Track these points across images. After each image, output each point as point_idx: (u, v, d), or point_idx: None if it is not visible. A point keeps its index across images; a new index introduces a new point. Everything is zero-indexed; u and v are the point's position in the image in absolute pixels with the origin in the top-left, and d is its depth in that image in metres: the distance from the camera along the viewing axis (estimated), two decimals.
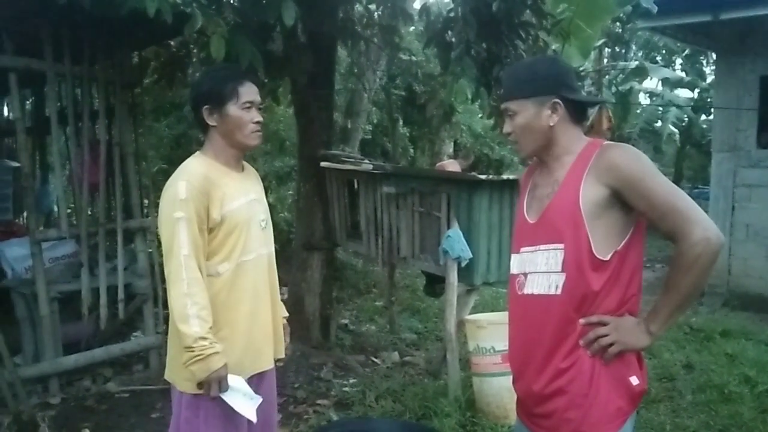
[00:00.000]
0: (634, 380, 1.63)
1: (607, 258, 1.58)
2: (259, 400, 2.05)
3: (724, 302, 6.74)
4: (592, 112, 9.26)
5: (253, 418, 2.01)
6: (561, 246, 1.61)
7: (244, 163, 2.19)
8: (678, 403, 3.91)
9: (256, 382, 2.13)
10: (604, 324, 1.59)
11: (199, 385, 1.93)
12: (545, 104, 1.66)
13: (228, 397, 1.96)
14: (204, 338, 1.87)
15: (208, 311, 1.90)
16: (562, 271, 1.61)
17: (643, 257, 1.67)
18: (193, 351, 1.86)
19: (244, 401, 1.99)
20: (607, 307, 1.60)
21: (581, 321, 1.60)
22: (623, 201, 1.57)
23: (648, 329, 1.58)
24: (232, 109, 2.01)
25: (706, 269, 1.51)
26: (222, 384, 1.92)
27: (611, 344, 1.58)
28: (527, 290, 1.69)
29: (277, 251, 2.30)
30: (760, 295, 6.78)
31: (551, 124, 1.66)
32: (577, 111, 1.70)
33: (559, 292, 1.61)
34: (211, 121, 2.03)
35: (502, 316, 3.95)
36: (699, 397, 4.00)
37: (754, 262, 7.00)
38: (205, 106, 2.02)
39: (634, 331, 1.59)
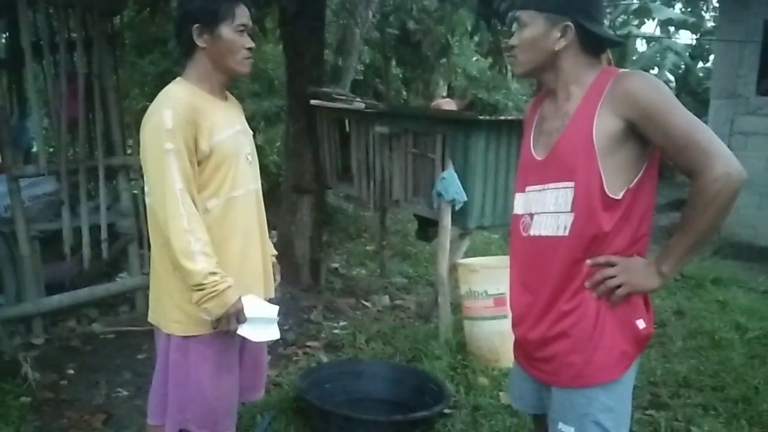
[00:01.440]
0: (641, 323, 1.55)
1: (619, 197, 1.47)
2: (275, 311, 1.98)
3: (715, 250, 6.73)
4: None
5: (276, 335, 1.96)
6: (571, 184, 1.50)
7: (227, 92, 2.03)
8: (669, 349, 3.91)
9: None
10: (611, 265, 1.50)
11: (215, 322, 1.83)
12: (557, 25, 1.52)
13: (246, 332, 1.88)
14: (214, 273, 1.76)
15: (210, 246, 1.79)
16: (572, 211, 1.50)
17: (655, 195, 1.56)
18: (204, 288, 1.75)
19: (262, 327, 1.91)
20: (617, 248, 1.51)
21: (588, 262, 1.51)
22: (639, 134, 1.45)
23: (659, 270, 1.49)
24: (226, 30, 1.84)
25: (726, 207, 1.41)
26: (240, 316, 1.84)
27: (619, 285, 1.49)
28: (533, 231, 1.59)
29: (265, 193, 2.18)
30: (751, 244, 6.79)
31: (557, 48, 1.53)
32: (592, 42, 1.55)
33: (567, 233, 1.52)
34: (200, 42, 1.85)
35: (495, 260, 3.93)
36: (690, 343, 4.01)
37: (747, 211, 6.96)
38: (195, 25, 1.83)
39: (644, 271, 1.50)
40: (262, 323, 1.92)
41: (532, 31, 1.56)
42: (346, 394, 3.04)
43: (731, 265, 6.18)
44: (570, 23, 1.52)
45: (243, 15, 1.87)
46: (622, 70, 1.54)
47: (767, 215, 6.86)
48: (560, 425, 1.59)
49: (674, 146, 1.42)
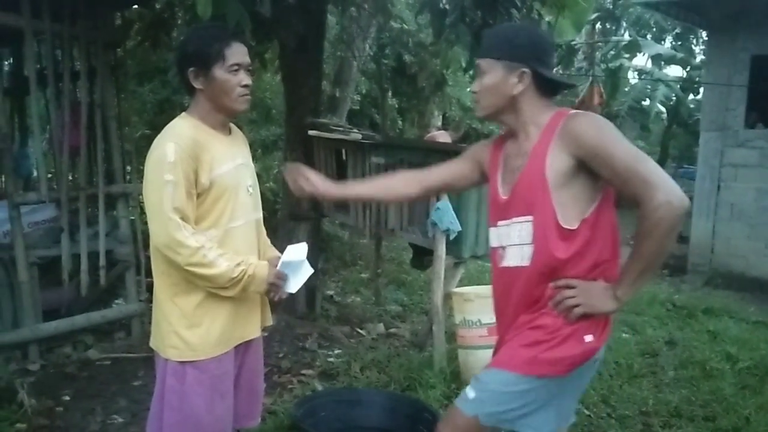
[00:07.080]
0: (588, 338, 1.65)
1: (575, 227, 1.60)
2: (303, 250, 2.10)
3: (706, 280, 6.81)
4: (583, 89, 9.24)
5: (310, 271, 2.12)
6: (530, 218, 1.64)
7: (232, 125, 2.10)
8: (660, 379, 3.95)
9: (243, 350, 2.09)
10: (571, 287, 1.62)
11: (267, 292, 2.00)
12: (513, 71, 1.66)
13: (293, 287, 2.04)
14: (238, 264, 1.88)
15: (221, 251, 1.89)
16: (532, 242, 1.65)
17: (615, 222, 1.68)
18: (240, 279, 1.88)
19: (299, 273, 2.07)
20: (577, 273, 1.63)
21: (551, 284, 1.65)
22: (589, 169, 1.58)
23: (615, 294, 1.61)
24: (219, 72, 1.90)
25: (668, 234, 1.51)
26: (282, 277, 1.99)
27: (577, 305, 1.61)
28: (506, 263, 1.74)
29: (263, 220, 2.24)
30: (742, 274, 6.87)
31: (515, 92, 1.67)
32: (547, 86, 1.70)
33: (529, 263, 1.66)
34: (196, 84, 1.93)
35: (489, 290, 3.95)
36: (681, 373, 4.05)
37: (737, 242, 7.07)
38: (191, 69, 1.92)
39: (601, 295, 1.62)
40: (296, 268, 2.06)
41: (490, 77, 1.69)
42: (341, 422, 3.06)
43: (722, 295, 6.24)
44: (526, 69, 1.66)
45: (236, 54, 1.92)
46: (573, 111, 1.67)
47: (758, 245, 6.95)
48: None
49: (619, 178, 1.54)
